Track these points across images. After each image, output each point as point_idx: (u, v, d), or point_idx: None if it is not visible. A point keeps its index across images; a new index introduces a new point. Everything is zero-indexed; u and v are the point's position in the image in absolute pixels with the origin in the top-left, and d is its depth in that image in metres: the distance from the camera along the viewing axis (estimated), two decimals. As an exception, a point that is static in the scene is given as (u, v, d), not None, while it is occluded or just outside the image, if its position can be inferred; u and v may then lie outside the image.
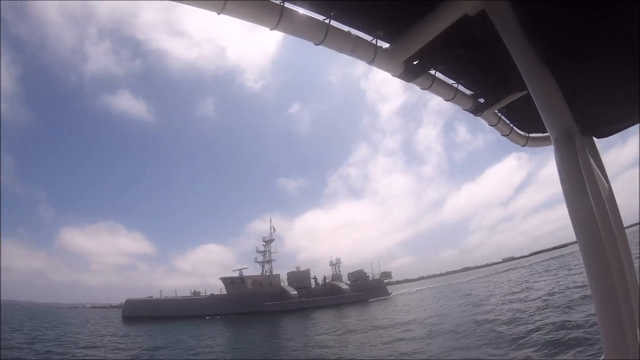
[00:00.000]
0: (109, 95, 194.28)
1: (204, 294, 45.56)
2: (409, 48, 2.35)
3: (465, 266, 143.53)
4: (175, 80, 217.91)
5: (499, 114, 3.17)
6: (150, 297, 43.79)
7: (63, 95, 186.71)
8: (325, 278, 50.67)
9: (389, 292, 52.64)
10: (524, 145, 3.45)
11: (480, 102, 2.98)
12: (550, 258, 65.07)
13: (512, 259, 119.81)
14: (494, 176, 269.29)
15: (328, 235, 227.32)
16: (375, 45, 2.35)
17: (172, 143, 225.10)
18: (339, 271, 52.38)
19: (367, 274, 52.83)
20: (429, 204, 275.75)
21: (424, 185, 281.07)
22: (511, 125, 3.28)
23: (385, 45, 2.43)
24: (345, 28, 2.26)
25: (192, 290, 45.94)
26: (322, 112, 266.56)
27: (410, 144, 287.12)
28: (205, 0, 1.78)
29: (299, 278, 48.82)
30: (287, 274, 49.40)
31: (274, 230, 52.09)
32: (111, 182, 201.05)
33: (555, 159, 1.76)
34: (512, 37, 1.90)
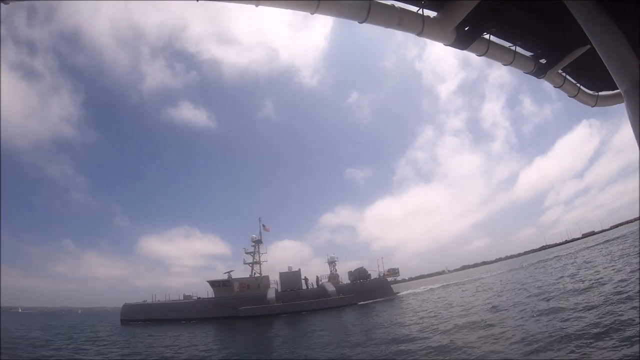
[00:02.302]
0: (171, 108, 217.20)
1: (195, 297, 45.68)
2: (458, 13, 2.39)
3: (544, 244, 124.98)
4: (231, 87, 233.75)
5: (564, 74, 3.21)
6: (144, 301, 45.57)
7: (127, 114, 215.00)
8: (318, 279, 46.35)
9: (395, 292, 45.64)
10: (594, 106, 3.40)
11: (542, 62, 3.02)
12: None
13: (593, 233, 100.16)
14: (565, 147, 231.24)
15: (400, 222, 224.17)
16: (422, 16, 2.45)
17: (237, 146, 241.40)
18: (335, 270, 47.43)
19: (369, 272, 46.70)
20: (501, 182, 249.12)
21: (494, 163, 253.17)
22: (578, 84, 3.30)
23: (433, 14, 2.52)
24: (389, 2, 2.43)
25: (184, 294, 46.43)
26: (381, 99, 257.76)
27: (476, 121, 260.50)
28: None
29: (290, 279, 45.42)
30: (279, 274, 46.57)
31: (266, 229, 49.84)
32: (181, 190, 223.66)
33: (627, 111, 1.67)
34: None
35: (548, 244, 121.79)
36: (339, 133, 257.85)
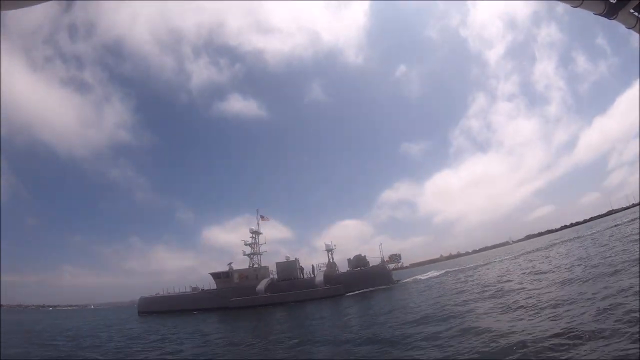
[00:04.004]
0: (220, 102, 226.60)
1: (201, 289, 47.45)
2: None
3: (610, 209, 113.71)
4: (278, 74, 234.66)
5: (637, 14, 2.91)
6: (157, 294, 48.86)
7: (178, 113, 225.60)
8: (313, 268, 44.71)
9: (395, 280, 41.90)
10: None
11: (612, 2, 2.78)
12: None
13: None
14: (626, 103, 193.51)
15: (460, 194, 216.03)
16: None
17: (289, 132, 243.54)
18: (332, 258, 45.16)
19: (368, 260, 43.65)
20: (560, 146, 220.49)
21: (552, 127, 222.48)
22: None
23: None
24: None
25: (191, 286, 48.59)
26: (429, 70, 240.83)
27: (529, 84, 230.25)
28: None
29: (286, 269, 44.58)
30: (276, 264, 46.02)
31: (264, 219, 49.74)
32: (239, 179, 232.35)
33: None
34: None
35: (614, 208, 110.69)
36: (391, 108, 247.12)
